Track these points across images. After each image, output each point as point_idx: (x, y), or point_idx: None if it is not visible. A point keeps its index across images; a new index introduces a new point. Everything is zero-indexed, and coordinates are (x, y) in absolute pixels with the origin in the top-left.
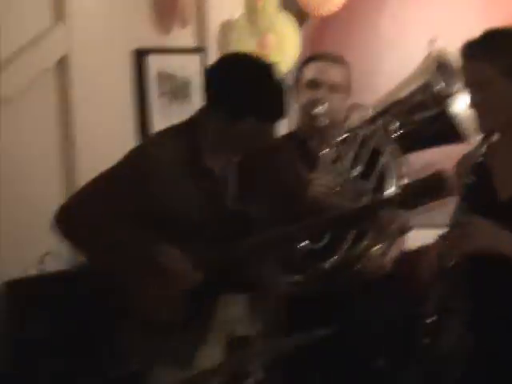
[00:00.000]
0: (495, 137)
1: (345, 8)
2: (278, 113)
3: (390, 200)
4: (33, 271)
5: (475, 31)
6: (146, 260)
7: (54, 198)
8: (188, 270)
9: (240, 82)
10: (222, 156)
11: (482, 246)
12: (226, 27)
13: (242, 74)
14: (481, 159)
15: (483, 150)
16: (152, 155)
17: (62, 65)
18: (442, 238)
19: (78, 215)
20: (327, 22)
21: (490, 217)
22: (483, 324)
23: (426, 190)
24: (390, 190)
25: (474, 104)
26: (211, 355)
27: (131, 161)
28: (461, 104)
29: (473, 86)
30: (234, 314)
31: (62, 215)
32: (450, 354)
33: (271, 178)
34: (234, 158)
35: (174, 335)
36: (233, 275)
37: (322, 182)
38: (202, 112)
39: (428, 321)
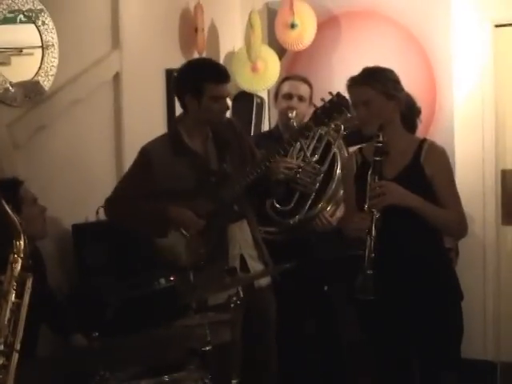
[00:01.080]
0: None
1: (310, 47)
2: (222, 72)
3: (311, 125)
4: (92, 218)
5: (398, 66)
6: (164, 217)
7: (108, 172)
8: (191, 216)
9: (186, 71)
10: (199, 135)
11: (394, 200)
12: (230, 55)
13: (184, 67)
14: (384, 145)
15: (380, 139)
16: (146, 149)
17: (116, 79)
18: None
19: (116, 207)
20: (299, 55)
21: None
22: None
23: (332, 107)
24: (338, 172)
25: (359, 116)
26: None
27: (138, 160)
28: None
29: (360, 104)
30: (241, 237)
31: (108, 207)
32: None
33: (236, 145)
34: (208, 137)
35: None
36: (226, 213)
37: (291, 164)
38: (178, 117)
39: (371, 255)
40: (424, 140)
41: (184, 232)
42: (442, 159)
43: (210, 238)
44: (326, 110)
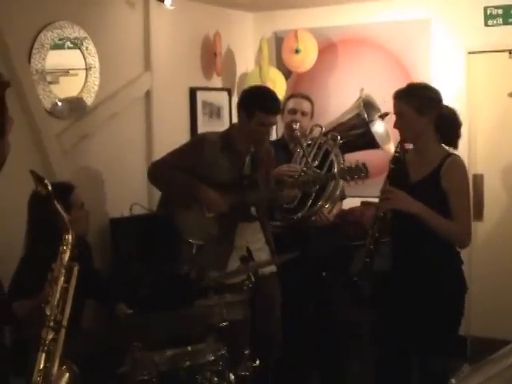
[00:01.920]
0: (407, 145)
1: (312, 69)
2: (274, 107)
3: (335, 174)
4: (126, 214)
5: (386, 86)
6: (195, 191)
7: (139, 175)
8: (219, 199)
9: (249, 93)
10: (245, 144)
11: (397, 205)
12: (244, 76)
13: (251, 89)
14: (401, 155)
15: (398, 149)
16: (207, 138)
17: (148, 96)
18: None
19: (159, 169)
20: (302, 76)
21: (406, 192)
22: (398, 250)
23: (354, 171)
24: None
25: (396, 126)
26: (234, 264)
27: (194, 141)
28: (377, 126)
29: (396, 115)
30: (249, 234)
31: (152, 168)
32: (379, 270)
33: (266, 168)
34: (251, 148)
35: (211, 250)
36: (244, 211)
37: (295, 168)
38: (233, 124)
39: (371, 246)
40: (450, 154)
41: (205, 211)
42: (457, 174)
43: (221, 224)
44: (350, 170)
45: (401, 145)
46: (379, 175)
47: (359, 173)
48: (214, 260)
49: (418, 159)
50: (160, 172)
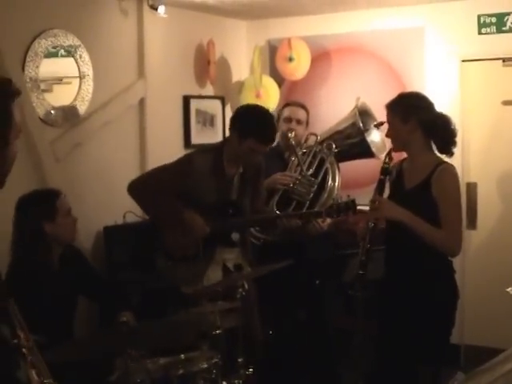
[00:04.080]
0: (400, 153)
1: (305, 77)
2: (269, 138)
3: (322, 212)
4: (119, 222)
5: (380, 94)
6: (178, 217)
7: None
8: (202, 224)
9: (246, 115)
10: (233, 165)
11: (384, 214)
12: (238, 83)
13: (249, 111)
14: (389, 165)
15: (386, 159)
16: (194, 161)
17: (141, 103)
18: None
19: (144, 190)
20: (296, 84)
21: (400, 200)
22: (391, 258)
23: (342, 208)
24: (329, 183)
25: (387, 134)
26: (214, 277)
27: (181, 161)
28: (373, 136)
29: (388, 123)
30: (226, 255)
31: (136, 185)
32: (372, 279)
33: (255, 183)
34: (239, 170)
35: (191, 263)
36: (224, 236)
37: (290, 177)
38: (226, 139)
39: (363, 258)
40: (441, 162)
41: (186, 233)
42: (448, 182)
43: (202, 245)
44: (338, 207)
45: (389, 155)
46: (374, 184)
47: (347, 210)
48: (188, 275)
49: (411, 167)
50: (144, 194)
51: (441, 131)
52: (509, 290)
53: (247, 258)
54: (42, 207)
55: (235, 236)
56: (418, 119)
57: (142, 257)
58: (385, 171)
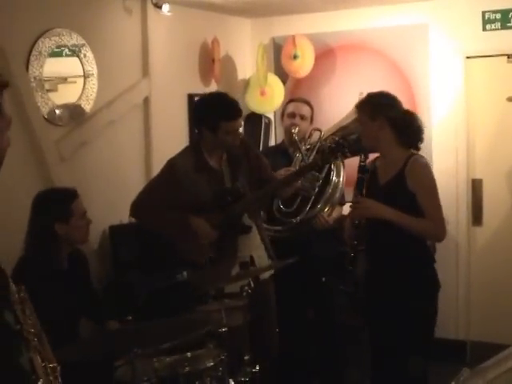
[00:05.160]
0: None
1: (310, 74)
2: (236, 111)
3: (318, 162)
4: (125, 221)
5: (382, 88)
6: (183, 226)
7: (138, 181)
8: (209, 229)
9: (203, 107)
10: (215, 155)
11: (367, 213)
12: (242, 82)
13: (203, 102)
14: (365, 164)
15: (362, 158)
16: (176, 165)
17: (146, 102)
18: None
19: (143, 213)
20: (300, 81)
21: (376, 196)
22: (374, 256)
23: (334, 148)
24: (333, 178)
25: (360, 134)
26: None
27: (164, 172)
28: None
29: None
30: (251, 245)
31: (135, 211)
32: (360, 275)
33: (248, 166)
34: (223, 156)
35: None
36: (237, 225)
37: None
38: (198, 136)
39: (351, 254)
40: (412, 155)
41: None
42: (421, 172)
43: (220, 246)
44: (330, 149)
45: (364, 154)
46: None
47: (340, 149)
48: (218, 274)
49: (383, 163)
50: (144, 216)
51: (407, 128)
52: None
53: (264, 243)
54: (56, 207)
55: (247, 220)
56: (385, 116)
57: (150, 256)
58: (362, 169)
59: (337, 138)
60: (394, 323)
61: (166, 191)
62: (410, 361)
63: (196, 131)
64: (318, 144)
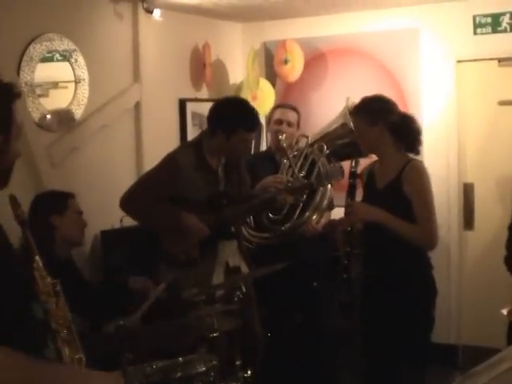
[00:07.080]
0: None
1: (301, 78)
2: (256, 123)
3: (313, 183)
4: (116, 226)
5: (373, 92)
6: (175, 222)
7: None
8: (201, 226)
9: (227, 109)
10: (217, 159)
11: (359, 217)
12: (234, 87)
13: (227, 104)
14: (356, 169)
15: (353, 164)
16: (179, 158)
17: (137, 107)
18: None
19: (137, 203)
20: (290, 86)
21: (373, 200)
22: (370, 261)
23: (331, 172)
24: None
25: (358, 140)
26: (218, 279)
27: (166, 163)
28: None
29: (355, 129)
30: (229, 251)
31: (127, 200)
32: (356, 280)
33: (238, 177)
34: (222, 160)
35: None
36: (224, 229)
37: (281, 179)
38: (203, 133)
39: (345, 261)
40: (410, 159)
41: (187, 237)
42: (417, 178)
43: (203, 246)
44: (327, 173)
45: (355, 160)
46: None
47: (337, 175)
48: (197, 278)
49: (381, 168)
50: (137, 206)
51: (406, 131)
52: (503, 311)
53: (243, 253)
54: (53, 200)
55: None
56: (384, 122)
57: (140, 261)
58: (353, 175)
59: (337, 164)
60: (391, 329)
61: (163, 183)
62: (407, 367)
63: (209, 130)
64: (306, 151)
